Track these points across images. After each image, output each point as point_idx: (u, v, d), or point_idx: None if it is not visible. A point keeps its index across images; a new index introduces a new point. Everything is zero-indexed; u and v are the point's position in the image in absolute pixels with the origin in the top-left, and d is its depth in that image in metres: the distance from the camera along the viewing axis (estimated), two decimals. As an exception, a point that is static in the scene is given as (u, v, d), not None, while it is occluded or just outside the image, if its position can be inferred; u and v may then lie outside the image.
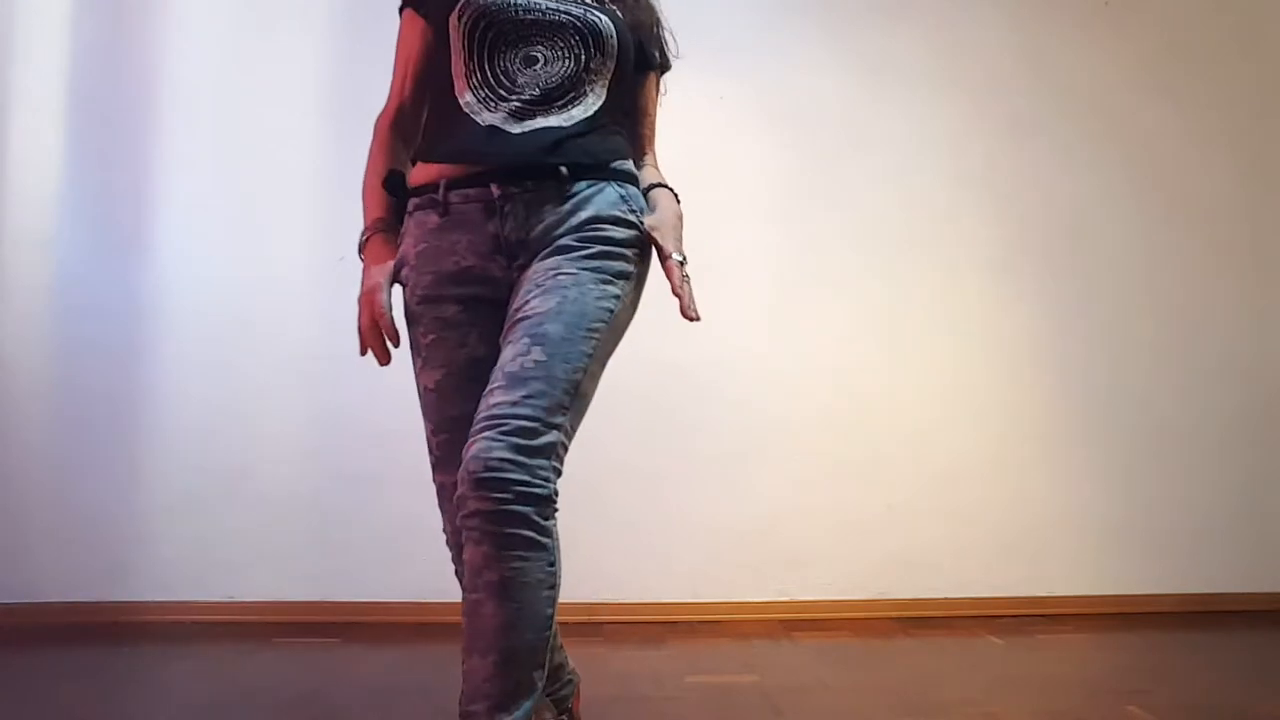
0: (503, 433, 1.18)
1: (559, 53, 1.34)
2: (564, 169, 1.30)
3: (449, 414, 1.39)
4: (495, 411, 1.20)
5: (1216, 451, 2.85)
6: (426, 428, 1.47)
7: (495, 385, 1.23)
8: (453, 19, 1.34)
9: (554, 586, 1.22)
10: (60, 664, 2.20)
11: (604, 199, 1.33)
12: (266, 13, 2.66)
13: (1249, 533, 2.84)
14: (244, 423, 2.60)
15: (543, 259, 1.30)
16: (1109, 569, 2.79)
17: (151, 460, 2.58)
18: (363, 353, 1.46)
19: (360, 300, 1.44)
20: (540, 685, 1.21)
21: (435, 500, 1.53)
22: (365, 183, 1.52)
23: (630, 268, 1.33)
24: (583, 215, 1.31)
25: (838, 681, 2.11)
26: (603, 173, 1.34)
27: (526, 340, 1.23)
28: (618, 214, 1.33)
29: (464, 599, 1.22)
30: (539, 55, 1.34)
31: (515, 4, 1.33)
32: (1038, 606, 2.72)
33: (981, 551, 2.75)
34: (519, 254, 1.32)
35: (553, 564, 1.22)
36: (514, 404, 1.19)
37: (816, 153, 2.76)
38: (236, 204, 2.63)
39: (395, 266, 1.43)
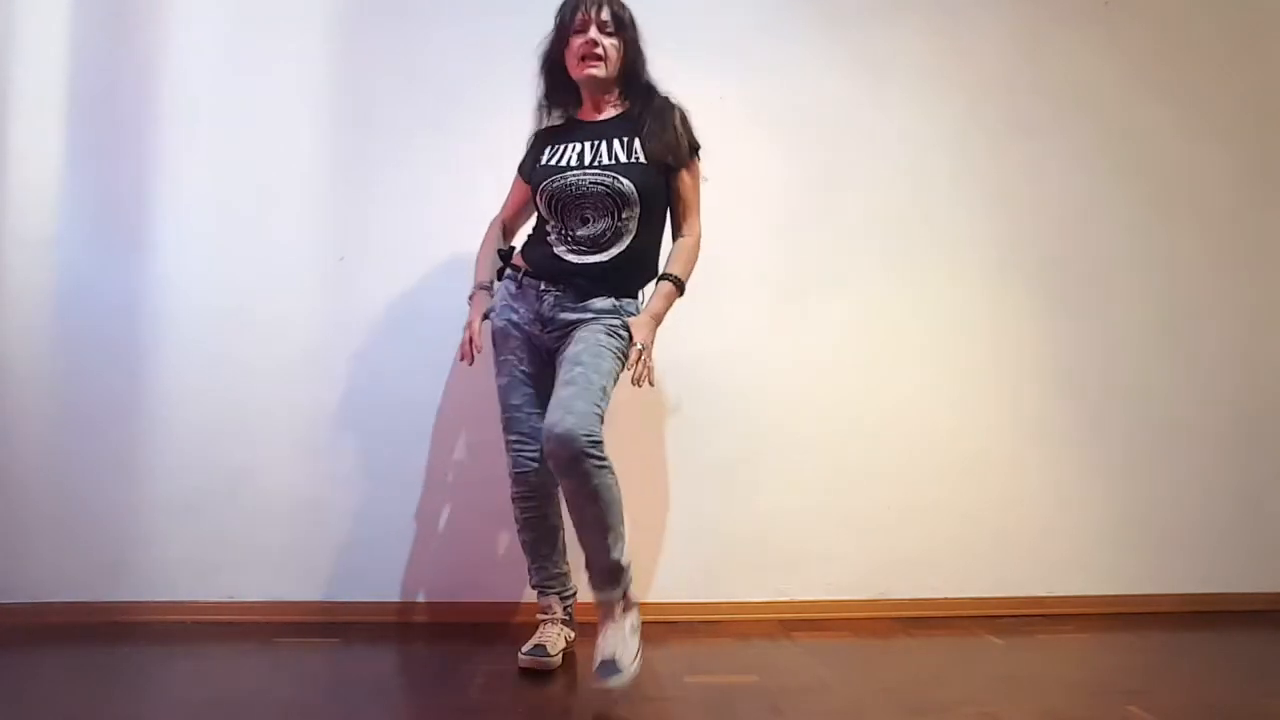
0: (566, 409, 1.93)
1: (600, 213, 2.09)
2: (580, 282, 2.11)
3: (510, 402, 2.18)
4: (561, 399, 1.96)
5: (1216, 451, 2.86)
6: (500, 409, 2.22)
7: (557, 389, 2.00)
8: (539, 193, 2.15)
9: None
10: (60, 664, 2.20)
11: (602, 305, 2.11)
12: (267, 13, 2.66)
13: (1249, 533, 2.85)
14: (244, 423, 2.60)
15: (570, 338, 2.09)
16: (1109, 569, 2.79)
17: (152, 460, 2.58)
18: (461, 359, 2.24)
19: (466, 326, 2.23)
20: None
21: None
22: (479, 256, 2.32)
23: (621, 333, 2.10)
24: (588, 315, 2.11)
25: (837, 681, 2.11)
26: (610, 296, 2.13)
27: (570, 365, 2.02)
28: (610, 316, 2.11)
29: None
30: (589, 216, 2.10)
31: (570, 184, 2.09)
32: (1038, 606, 2.73)
33: (981, 551, 2.75)
34: (548, 325, 2.14)
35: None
36: (571, 395, 1.95)
37: (816, 153, 2.76)
38: (237, 204, 2.63)
39: (486, 310, 2.23)
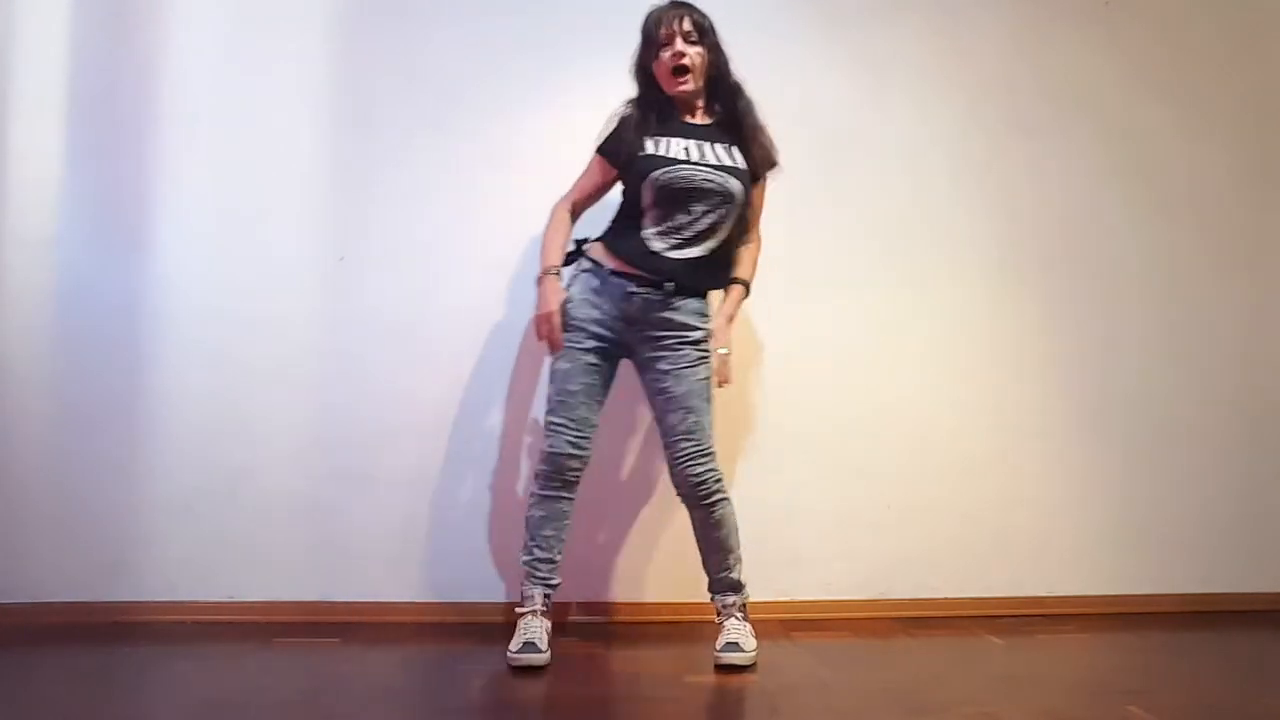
0: (697, 461, 2.20)
1: (706, 209, 2.18)
2: (669, 286, 2.19)
3: (568, 387, 2.22)
4: (690, 451, 2.20)
5: (1216, 451, 2.86)
6: (551, 391, 2.26)
7: (679, 437, 2.20)
8: (648, 181, 2.17)
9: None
10: (60, 664, 2.20)
11: (690, 308, 2.23)
12: (267, 13, 2.66)
13: (1249, 533, 2.85)
14: (244, 422, 2.60)
15: (662, 350, 2.21)
16: (1109, 569, 2.79)
17: (152, 460, 2.58)
18: (552, 351, 2.25)
19: (541, 315, 2.22)
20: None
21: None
22: (548, 239, 2.28)
23: (706, 349, 2.24)
24: (676, 320, 2.20)
25: (837, 681, 2.11)
26: (698, 291, 2.25)
27: (683, 412, 2.19)
28: (697, 324, 2.23)
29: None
30: (695, 210, 2.18)
31: (684, 176, 2.16)
32: (1038, 606, 2.73)
33: (981, 551, 2.75)
34: (634, 324, 2.21)
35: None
36: (697, 443, 2.19)
37: (816, 153, 2.76)
38: (237, 204, 2.63)
39: (564, 302, 2.23)
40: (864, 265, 2.77)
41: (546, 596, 2.27)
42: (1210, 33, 2.92)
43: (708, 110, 2.28)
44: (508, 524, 2.59)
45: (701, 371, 2.21)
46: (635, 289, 2.18)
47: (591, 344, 2.21)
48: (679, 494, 2.24)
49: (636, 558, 2.41)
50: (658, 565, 2.65)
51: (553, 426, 2.23)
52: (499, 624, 2.49)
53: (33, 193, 2.58)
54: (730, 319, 2.29)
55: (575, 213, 2.34)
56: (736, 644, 2.18)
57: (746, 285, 2.32)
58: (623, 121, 2.26)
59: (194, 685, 2.06)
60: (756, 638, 2.24)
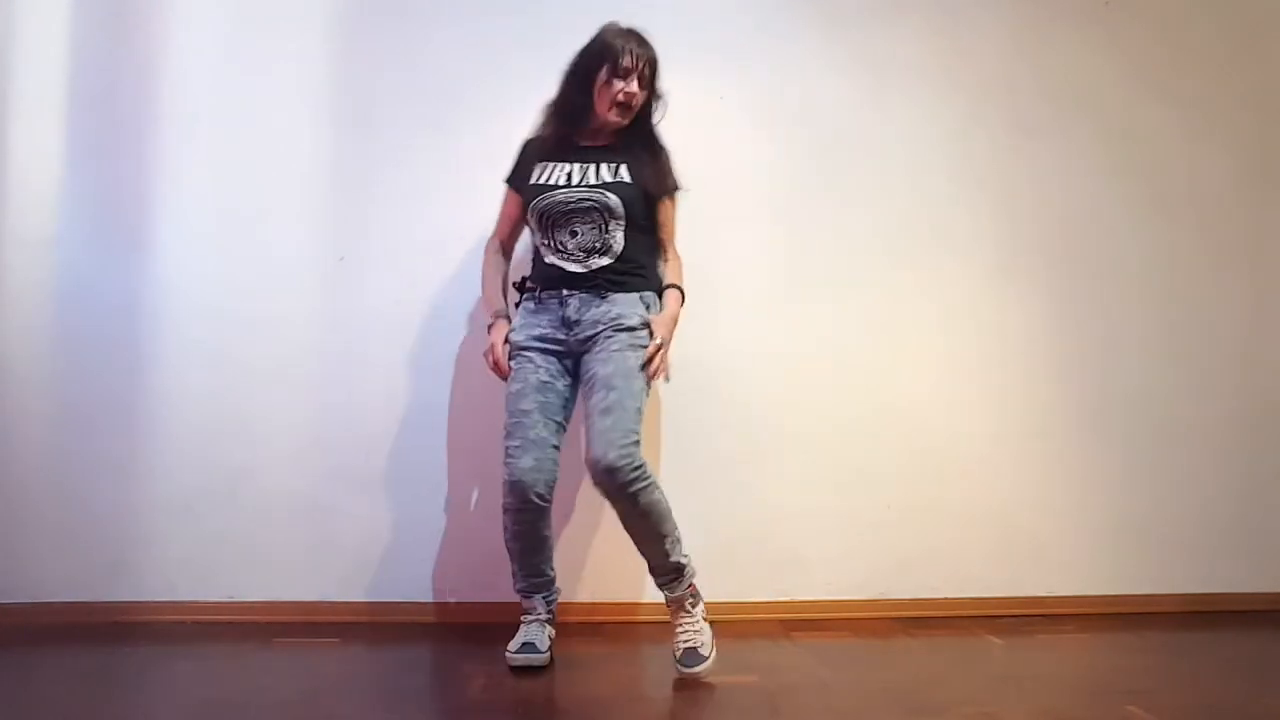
0: (608, 443, 2.05)
1: (587, 226, 2.21)
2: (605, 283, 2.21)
3: (520, 407, 2.18)
4: (601, 430, 2.07)
5: (1216, 451, 2.86)
6: (506, 418, 2.20)
7: (595, 417, 2.09)
8: (530, 211, 2.26)
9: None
10: (60, 664, 2.20)
11: (624, 301, 2.21)
12: (267, 13, 2.66)
13: (1249, 533, 2.85)
14: (244, 423, 2.60)
15: (595, 345, 2.18)
16: (1109, 569, 2.79)
17: (152, 460, 2.58)
18: (502, 376, 2.26)
19: (485, 352, 2.28)
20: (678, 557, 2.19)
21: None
22: (487, 281, 2.38)
23: (641, 338, 2.19)
24: (612, 313, 2.19)
25: (837, 681, 2.11)
26: (626, 287, 2.23)
27: (604, 390, 2.11)
28: (627, 317, 2.19)
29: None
30: (576, 229, 2.22)
31: (558, 200, 2.21)
32: (1038, 606, 2.73)
33: (981, 551, 2.75)
34: (574, 327, 2.21)
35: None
36: (615, 421, 2.07)
37: (816, 153, 2.76)
38: (237, 204, 2.63)
39: (506, 334, 2.28)
40: (864, 265, 2.76)
41: (549, 606, 2.29)
42: (1210, 33, 2.92)
43: (613, 135, 2.29)
44: (508, 524, 2.59)
45: (631, 358, 2.14)
46: (568, 290, 2.21)
47: (540, 360, 2.20)
48: (594, 484, 2.09)
49: (636, 558, 2.40)
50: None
51: (510, 451, 2.13)
52: (499, 624, 2.49)
53: (33, 193, 2.58)
54: (673, 316, 2.25)
55: (506, 248, 2.41)
56: (695, 650, 2.12)
57: (680, 289, 2.30)
58: (520, 151, 2.34)
59: (194, 685, 2.06)
60: (711, 624, 2.18)
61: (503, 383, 2.25)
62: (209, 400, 2.59)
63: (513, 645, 2.17)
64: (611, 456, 2.03)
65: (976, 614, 2.68)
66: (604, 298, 2.20)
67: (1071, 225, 2.84)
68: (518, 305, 2.33)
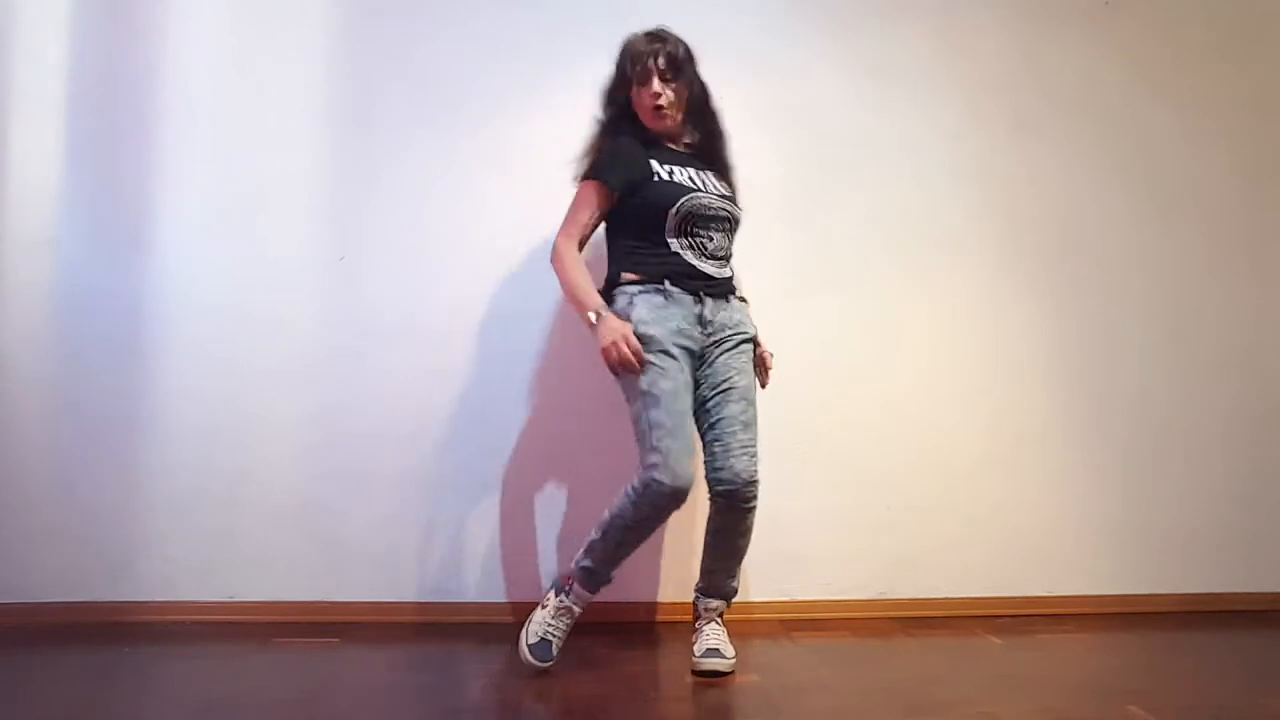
0: (751, 456, 2.13)
1: (722, 234, 2.24)
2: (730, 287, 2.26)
3: (677, 408, 2.08)
4: (744, 443, 2.13)
5: (1216, 451, 2.86)
6: (655, 415, 2.07)
7: (735, 428, 2.13)
8: (675, 208, 2.16)
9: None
10: (60, 664, 2.20)
11: (740, 309, 2.27)
12: (266, 12, 2.66)
13: (1249, 533, 2.85)
14: (244, 422, 2.60)
15: (724, 349, 2.19)
16: (1109, 569, 2.79)
17: (151, 460, 2.58)
18: (639, 369, 2.08)
19: (610, 341, 2.07)
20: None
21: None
22: (576, 280, 2.17)
23: (752, 351, 2.26)
24: (736, 318, 2.23)
25: (838, 681, 2.11)
26: (738, 298, 2.29)
27: (744, 403, 2.16)
28: (748, 325, 2.26)
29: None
30: (714, 235, 2.22)
31: (705, 204, 2.19)
32: (1038, 606, 2.73)
33: (981, 551, 2.75)
34: (707, 325, 2.18)
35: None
36: (753, 438, 2.15)
37: (816, 154, 2.76)
38: (237, 203, 2.63)
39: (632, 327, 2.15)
40: (864, 265, 2.77)
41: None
42: (1210, 32, 2.92)
43: (689, 133, 2.31)
44: (508, 524, 2.59)
45: (752, 372, 2.22)
46: (703, 290, 2.17)
47: (683, 360, 2.12)
48: (719, 490, 2.10)
49: (637, 558, 2.40)
50: (659, 566, 2.65)
51: (674, 453, 2.01)
52: (499, 624, 2.49)
53: (33, 193, 2.58)
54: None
55: (582, 245, 2.25)
56: (718, 650, 2.15)
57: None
58: (617, 147, 2.20)
59: (194, 685, 2.06)
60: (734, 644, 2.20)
61: (630, 379, 2.08)
62: (209, 400, 2.59)
63: (532, 638, 2.13)
64: (754, 469, 2.11)
65: (976, 614, 2.68)
66: (729, 303, 2.23)
67: (1071, 225, 2.84)
68: (611, 299, 2.17)
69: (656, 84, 2.18)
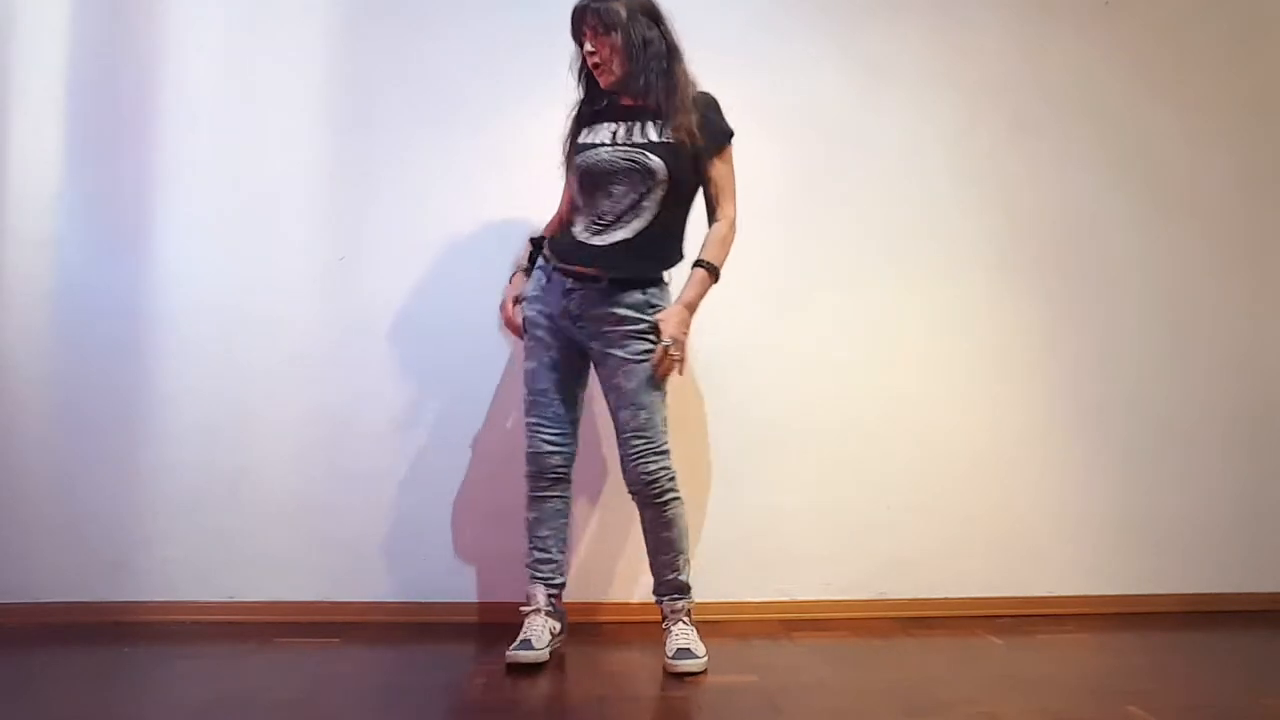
0: (646, 458, 2.17)
1: (626, 188, 2.15)
2: (608, 280, 2.15)
3: (537, 385, 2.25)
4: (639, 449, 2.17)
5: (1216, 451, 2.86)
6: (524, 392, 2.28)
7: (629, 435, 2.18)
8: (572, 170, 2.22)
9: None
10: (60, 664, 2.20)
11: (631, 300, 2.16)
12: (266, 13, 2.66)
13: (1249, 533, 2.85)
14: (244, 422, 2.60)
15: (606, 342, 2.17)
16: (1109, 569, 2.79)
17: (152, 460, 2.58)
18: (516, 335, 2.34)
19: (501, 306, 2.37)
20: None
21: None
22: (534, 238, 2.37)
23: (651, 342, 2.17)
24: (618, 312, 2.15)
25: (838, 681, 2.11)
26: (637, 282, 2.17)
27: (632, 409, 2.17)
28: (641, 315, 2.16)
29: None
30: (614, 191, 2.15)
31: (601, 159, 2.15)
32: (1038, 606, 2.72)
33: (981, 551, 2.75)
34: (578, 320, 2.19)
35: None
36: (649, 440, 2.17)
37: (815, 154, 2.76)
38: (236, 204, 2.63)
39: (520, 294, 2.31)
40: (864, 265, 2.76)
41: (550, 595, 2.27)
42: (1210, 33, 2.91)
43: (644, 92, 2.17)
44: (508, 524, 2.59)
45: (649, 371, 2.16)
46: (571, 285, 2.18)
47: (549, 339, 2.23)
48: (630, 492, 2.21)
49: (635, 558, 2.41)
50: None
51: (530, 427, 2.25)
52: (499, 624, 2.49)
53: (33, 193, 2.58)
54: (688, 305, 2.18)
55: (561, 222, 2.34)
56: (688, 650, 2.16)
57: (709, 267, 2.20)
58: (572, 118, 2.29)
59: (194, 685, 2.06)
60: (704, 642, 2.20)
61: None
62: (209, 400, 2.59)
63: (514, 644, 2.17)
64: (650, 470, 2.16)
65: (976, 614, 2.67)
66: (609, 297, 2.15)
67: (1071, 225, 2.84)
68: (532, 262, 2.33)
69: (589, 43, 2.17)
